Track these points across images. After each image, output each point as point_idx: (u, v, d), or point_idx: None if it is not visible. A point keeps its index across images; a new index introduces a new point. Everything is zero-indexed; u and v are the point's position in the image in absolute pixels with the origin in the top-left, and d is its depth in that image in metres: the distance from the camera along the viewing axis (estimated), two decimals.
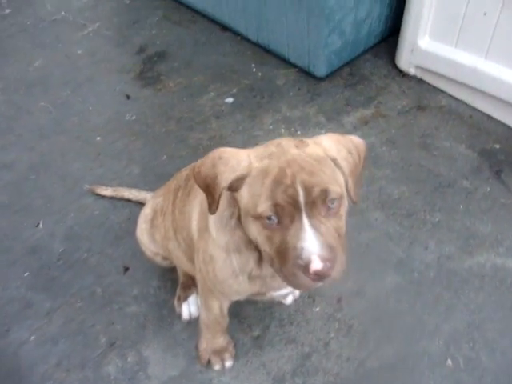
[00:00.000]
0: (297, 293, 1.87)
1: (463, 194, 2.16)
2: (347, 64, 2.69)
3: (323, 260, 1.05)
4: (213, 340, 1.75)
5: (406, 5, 2.46)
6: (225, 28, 2.97)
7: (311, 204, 1.08)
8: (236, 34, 2.92)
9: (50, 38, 3.01)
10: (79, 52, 2.91)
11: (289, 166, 1.10)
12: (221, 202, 1.28)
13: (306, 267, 1.06)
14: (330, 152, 1.17)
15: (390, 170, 2.24)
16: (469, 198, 2.14)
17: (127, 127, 2.50)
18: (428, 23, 2.41)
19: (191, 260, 1.62)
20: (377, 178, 2.23)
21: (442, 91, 2.55)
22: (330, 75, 2.61)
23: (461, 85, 2.43)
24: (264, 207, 1.09)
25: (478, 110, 2.45)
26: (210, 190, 1.20)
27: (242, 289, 1.38)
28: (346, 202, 1.16)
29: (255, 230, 1.15)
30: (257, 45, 2.77)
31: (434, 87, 2.57)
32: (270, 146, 1.16)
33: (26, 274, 2.00)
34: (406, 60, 2.57)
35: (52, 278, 1.98)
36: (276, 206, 1.08)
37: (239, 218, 1.25)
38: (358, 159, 1.22)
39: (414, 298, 1.87)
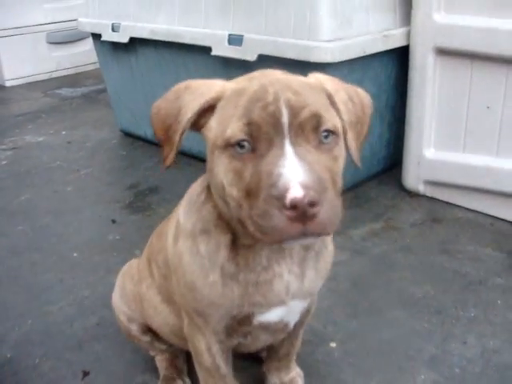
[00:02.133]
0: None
1: (498, 290, 1.83)
2: (351, 189, 2.51)
3: (305, 188, 0.77)
4: None
5: (407, 118, 2.38)
6: None
7: (297, 129, 0.84)
8: None
9: (42, 179, 2.91)
10: (68, 189, 2.78)
11: (272, 84, 0.88)
12: (192, 186, 1.14)
13: (281, 198, 0.77)
14: (326, 85, 0.96)
15: (408, 272, 1.94)
16: (506, 293, 1.81)
17: (109, 245, 2.25)
18: (431, 134, 2.31)
19: (165, 301, 1.31)
20: (394, 280, 1.91)
21: (456, 205, 2.34)
22: None
23: (476, 193, 2.26)
24: (235, 128, 0.85)
25: (499, 218, 2.23)
26: (169, 133, 0.96)
27: (214, 294, 1.04)
28: (342, 147, 0.93)
29: (222, 167, 0.89)
30: None
31: (447, 203, 2.37)
32: (252, 73, 0.97)
33: None
34: (413, 176, 2.40)
35: None
36: (250, 126, 0.84)
37: (209, 190, 1.03)
38: (360, 112, 1.01)
39: None
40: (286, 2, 2.17)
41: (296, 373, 1.47)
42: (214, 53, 2.43)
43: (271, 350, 1.41)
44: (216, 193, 0.97)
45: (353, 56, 2.15)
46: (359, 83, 2.25)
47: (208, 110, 0.94)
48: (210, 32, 2.46)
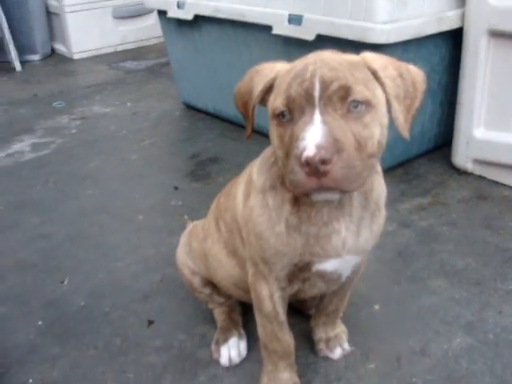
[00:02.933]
0: (346, 345, 1.60)
1: None
2: (401, 165, 2.61)
3: (318, 147, 0.92)
4: (275, 375, 1.45)
5: (458, 98, 2.44)
6: None
7: (326, 99, 0.98)
8: None
9: (109, 148, 3.11)
10: (134, 157, 2.97)
11: (314, 63, 1.02)
12: (266, 150, 1.29)
13: (299, 156, 0.94)
14: (372, 63, 1.06)
15: (452, 245, 2.03)
16: None
17: (172, 210, 2.42)
18: (481, 114, 2.37)
19: (231, 254, 1.47)
20: (437, 251, 2.01)
21: (503, 184, 2.40)
22: (384, 173, 2.52)
23: None
24: (278, 101, 1.03)
25: None
26: (246, 109, 1.17)
27: (280, 243, 1.20)
28: (377, 117, 1.03)
29: (273, 133, 1.08)
30: None
31: (495, 181, 2.43)
32: (308, 55, 1.09)
33: (40, 322, 1.82)
34: (462, 155, 2.48)
35: (66, 328, 1.79)
36: (289, 100, 1.01)
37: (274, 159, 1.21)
38: (411, 87, 1.10)
39: (492, 359, 1.55)
40: None
41: (341, 329, 1.61)
42: (274, 31, 2.55)
43: (320, 305, 1.55)
44: (272, 145, 1.13)
45: (407, 38, 2.23)
46: (412, 63, 2.34)
47: (270, 88, 1.11)
48: (271, 11, 2.57)
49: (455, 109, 2.50)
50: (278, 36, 2.57)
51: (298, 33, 2.44)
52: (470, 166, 2.49)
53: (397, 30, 2.19)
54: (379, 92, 1.05)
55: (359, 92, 0.99)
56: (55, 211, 2.48)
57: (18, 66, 4.76)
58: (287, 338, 1.41)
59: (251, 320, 1.52)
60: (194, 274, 1.65)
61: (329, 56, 1.04)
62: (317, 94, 0.97)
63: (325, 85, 0.98)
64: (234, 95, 1.20)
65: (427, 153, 2.73)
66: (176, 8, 3.13)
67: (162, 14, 3.35)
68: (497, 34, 2.22)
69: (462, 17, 2.34)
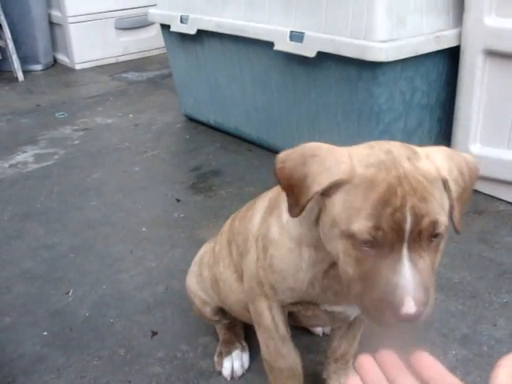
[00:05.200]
0: None
1: None
2: None
3: (417, 304, 0.89)
4: None
5: (455, 114, 2.50)
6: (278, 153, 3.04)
7: (416, 235, 0.91)
8: None
9: (112, 159, 3.15)
10: (136, 169, 3.01)
11: (400, 183, 0.92)
12: None
13: (396, 307, 0.90)
14: (442, 171, 0.98)
15: (448, 259, 2.08)
16: None
17: (174, 222, 2.47)
18: (478, 130, 2.43)
19: (240, 279, 1.43)
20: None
21: (498, 199, 2.46)
22: None
23: None
24: (362, 227, 0.92)
25: None
26: (294, 191, 1.01)
27: (297, 286, 1.18)
28: (445, 236, 0.99)
29: (341, 248, 0.98)
30: None
31: (490, 196, 2.48)
32: (378, 151, 0.97)
33: (45, 333, 1.85)
34: None
35: (71, 338, 1.82)
36: (377, 231, 0.91)
37: (317, 220, 1.07)
38: (469, 182, 1.04)
39: (487, 370, 1.59)
40: (345, 3, 2.32)
41: None
42: (276, 48, 2.61)
43: (329, 350, 1.53)
44: (328, 249, 1.05)
45: (406, 56, 2.29)
46: (411, 80, 2.41)
47: (336, 185, 0.97)
48: (273, 28, 2.63)
49: (452, 125, 2.55)
50: (279, 52, 2.63)
51: (300, 50, 2.49)
52: None
53: (395, 49, 2.25)
54: (447, 204, 0.99)
55: (443, 223, 0.93)
56: (59, 222, 2.52)
57: (20, 76, 4.81)
58: (292, 355, 1.37)
59: (253, 333, 1.55)
60: (206, 304, 1.65)
61: (410, 170, 0.94)
62: (408, 227, 0.91)
63: (416, 219, 0.91)
64: (276, 167, 1.04)
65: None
66: (179, 22, 3.18)
67: (165, 27, 3.41)
68: (492, 54, 2.28)
69: (459, 36, 2.40)
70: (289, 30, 2.54)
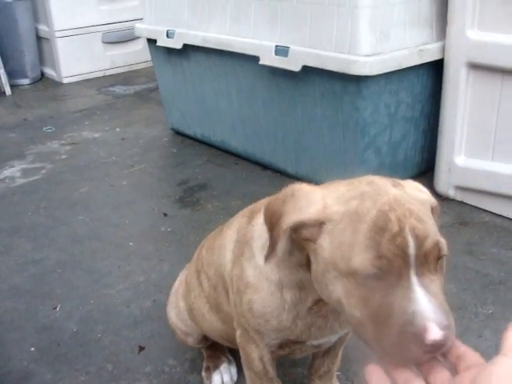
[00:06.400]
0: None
1: None
2: None
3: (442, 328, 0.80)
4: None
5: (440, 127, 2.53)
6: (265, 167, 3.07)
7: (422, 258, 0.85)
8: (276, 171, 3.01)
9: (99, 173, 3.15)
10: (124, 183, 3.02)
11: (391, 208, 0.87)
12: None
13: (419, 337, 0.80)
14: (430, 196, 0.99)
15: None
16: None
17: (161, 236, 2.47)
18: (462, 142, 2.46)
19: (213, 309, 1.44)
20: None
21: (484, 210, 2.48)
22: None
23: (503, 199, 2.39)
24: (363, 261, 0.85)
25: None
26: (272, 231, 0.99)
27: (281, 327, 1.15)
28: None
29: (342, 290, 0.90)
30: (295, 177, 2.82)
31: (476, 207, 2.51)
32: (358, 184, 0.94)
33: (32, 349, 1.85)
34: (444, 181, 2.56)
35: (59, 354, 1.82)
36: (381, 260, 0.84)
37: (301, 265, 1.05)
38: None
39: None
40: (329, 17, 2.34)
41: None
42: (261, 62, 2.63)
43: (312, 368, 1.52)
44: (326, 297, 0.99)
45: (390, 69, 2.31)
46: (395, 93, 2.44)
47: (313, 225, 0.93)
48: (258, 43, 2.65)
49: (437, 137, 2.58)
50: (265, 66, 2.65)
51: (285, 64, 2.52)
52: (451, 193, 2.57)
53: (379, 62, 2.27)
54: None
55: (444, 244, 0.88)
56: (47, 237, 2.51)
57: (8, 90, 4.80)
58: None
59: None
60: (187, 334, 1.64)
61: (399, 195, 0.90)
62: (412, 252, 0.84)
63: (419, 241, 0.84)
64: (264, 210, 1.03)
65: (411, 179, 2.79)
66: (165, 37, 3.20)
67: (151, 41, 3.43)
68: (475, 67, 2.32)
69: (443, 49, 2.44)
70: (274, 44, 2.56)
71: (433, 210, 0.97)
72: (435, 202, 1.00)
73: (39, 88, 5.09)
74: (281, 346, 1.25)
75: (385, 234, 0.84)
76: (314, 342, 1.21)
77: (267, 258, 1.02)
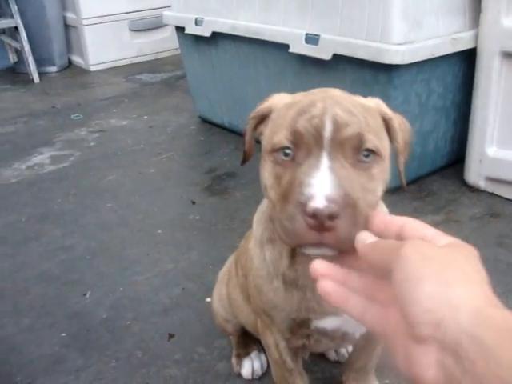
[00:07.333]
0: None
1: None
2: (414, 182, 2.65)
3: (329, 200, 0.78)
4: None
5: (471, 117, 2.49)
6: None
7: (338, 144, 0.85)
8: None
9: (127, 161, 3.17)
10: (152, 171, 3.03)
11: (322, 99, 0.90)
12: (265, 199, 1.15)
13: (303, 206, 0.80)
14: (387, 112, 0.98)
15: None
16: None
17: (190, 224, 2.48)
18: (494, 132, 2.41)
19: (246, 299, 1.43)
20: None
21: None
22: (397, 190, 2.57)
23: None
24: (280, 136, 0.89)
25: None
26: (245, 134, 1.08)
27: (277, 298, 1.14)
28: (383, 169, 0.92)
29: (266, 171, 0.93)
30: None
31: (507, 199, 2.47)
32: (314, 90, 0.98)
33: (63, 334, 1.87)
34: (475, 172, 2.52)
35: (89, 340, 1.84)
36: (294, 134, 0.87)
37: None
38: (409, 136, 1.06)
39: None
40: (361, 5, 2.32)
41: None
42: (291, 50, 2.61)
43: (348, 360, 1.50)
44: (265, 195, 1.01)
45: (422, 58, 2.28)
46: (427, 83, 2.41)
47: (264, 120, 1.02)
48: (289, 30, 2.63)
49: (468, 127, 2.54)
50: (294, 54, 2.63)
51: (315, 52, 2.49)
52: (482, 184, 2.53)
53: (411, 51, 2.24)
54: (386, 144, 0.95)
55: (371, 141, 0.87)
56: (76, 224, 2.54)
57: (36, 77, 4.85)
58: (298, 383, 1.37)
59: None
60: (227, 321, 1.64)
61: (340, 95, 0.94)
62: (327, 134, 0.85)
63: (337, 126, 0.85)
64: None
65: (440, 170, 2.77)
66: (194, 25, 3.20)
67: (179, 29, 3.42)
68: (509, 56, 2.27)
69: (476, 38, 2.39)
70: (304, 32, 2.54)
71: (387, 121, 0.98)
72: (390, 113, 0.99)
73: (67, 76, 5.13)
74: (292, 332, 1.23)
75: (305, 114, 0.87)
76: (318, 324, 1.17)
77: (241, 162, 1.16)
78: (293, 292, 1.12)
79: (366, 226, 0.83)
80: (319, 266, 0.78)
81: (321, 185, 0.80)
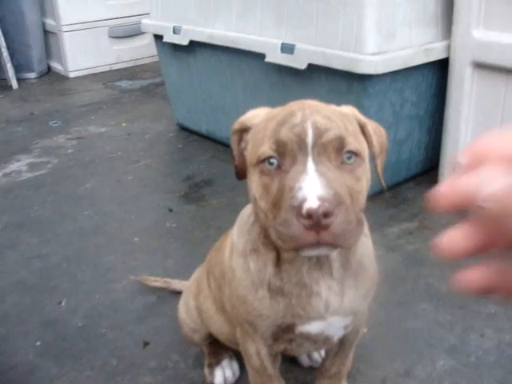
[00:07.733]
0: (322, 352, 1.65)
1: None
2: (389, 190, 2.69)
3: (321, 199, 0.83)
4: None
5: (444, 125, 2.54)
6: None
7: (321, 148, 0.90)
8: None
9: (105, 168, 3.17)
10: (129, 178, 3.03)
11: (300, 108, 0.96)
12: (243, 210, 1.25)
13: (298, 208, 0.84)
14: (361, 118, 1.05)
15: (437, 269, 2.10)
16: None
17: (166, 232, 2.49)
18: (466, 141, 2.44)
19: (219, 311, 1.46)
20: (423, 275, 2.08)
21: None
22: (373, 197, 2.61)
23: None
24: (265, 147, 0.94)
25: None
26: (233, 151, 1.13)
27: (263, 307, 1.16)
28: (366, 170, 0.99)
29: (254, 182, 0.98)
30: None
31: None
32: (291, 104, 1.03)
33: (38, 343, 1.87)
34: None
35: (64, 349, 1.84)
36: (278, 144, 0.92)
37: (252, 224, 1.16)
38: (384, 144, 1.12)
39: (474, 380, 1.63)
40: (335, 16, 2.35)
41: None
42: (267, 59, 2.63)
43: (322, 367, 1.50)
44: (253, 207, 1.08)
45: (395, 68, 2.32)
46: (400, 92, 2.44)
47: (243, 135, 1.09)
48: (264, 40, 2.66)
49: (442, 135, 2.59)
50: (270, 63, 2.66)
51: (290, 61, 2.52)
52: None
53: (385, 61, 2.28)
54: (365, 146, 1.02)
55: (352, 143, 0.94)
56: (52, 231, 2.54)
57: (14, 84, 4.82)
58: None
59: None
60: (195, 331, 1.65)
61: (317, 104, 1.00)
62: (310, 140, 0.90)
63: (318, 132, 0.91)
64: None
65: (415, 177, 2.81)
66: (172, 33, 3.21)
67: (157, 37, 3.44)
68: (480, 66, 2.32)
69: (448, 48, 2.44)
70: (280, 41, 2.57)
71: (362, 127, 1.04)
72: (364, 119, 1.06)
73: (46, 82, 5.11)
74: (275, 338, 1.25)
75: (286, 124, 0.93)
76: (303, 329, 1.19)
77: (236, 176, 1.17)
78: (278, 299, 1.15)
79: (358, 224, 0.91)
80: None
81: (311, 187, 0.85)
